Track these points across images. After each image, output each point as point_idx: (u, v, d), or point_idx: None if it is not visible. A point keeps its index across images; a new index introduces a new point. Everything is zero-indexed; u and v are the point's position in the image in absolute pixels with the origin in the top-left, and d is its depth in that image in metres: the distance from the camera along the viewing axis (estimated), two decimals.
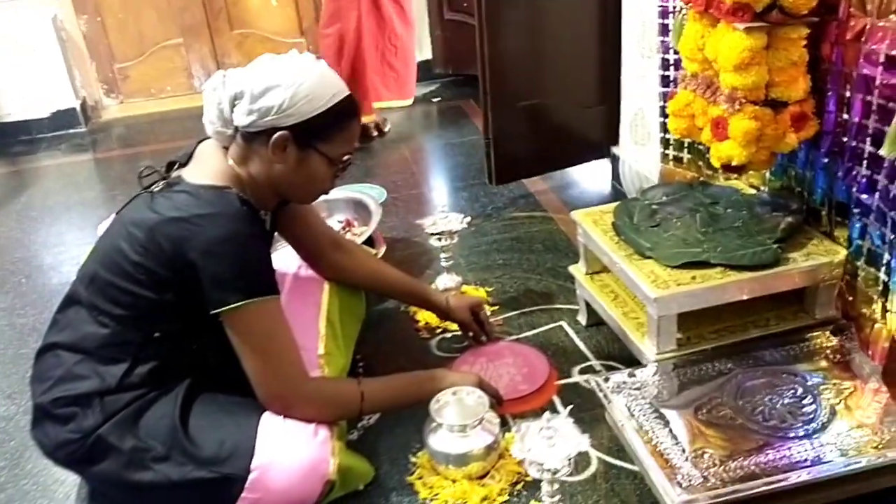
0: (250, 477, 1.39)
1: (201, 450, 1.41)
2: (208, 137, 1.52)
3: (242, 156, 1.47)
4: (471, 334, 1.94)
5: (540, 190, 2.87)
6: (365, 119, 3.33)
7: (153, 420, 1.43)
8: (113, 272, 1.42)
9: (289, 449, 1.41)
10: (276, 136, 1.42)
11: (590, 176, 2.93)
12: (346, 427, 1.67)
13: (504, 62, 2.55)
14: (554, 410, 1.75)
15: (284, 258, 1.85)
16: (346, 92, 1.48)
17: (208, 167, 1.47)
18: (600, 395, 1.60)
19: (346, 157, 1.52)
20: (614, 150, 2.75)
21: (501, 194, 2.84)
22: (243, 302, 1.38)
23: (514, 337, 2.02)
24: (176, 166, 1.51)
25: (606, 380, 1.62)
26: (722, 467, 1.37)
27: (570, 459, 1.26)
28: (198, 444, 1.41)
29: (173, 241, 1.36)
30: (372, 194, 2.54)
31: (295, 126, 1.42)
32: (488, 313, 2.00)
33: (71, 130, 3.96)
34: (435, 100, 4.04)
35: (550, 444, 1.28)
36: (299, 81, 1.40)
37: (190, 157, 1.52)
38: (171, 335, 1.46)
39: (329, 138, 1.46)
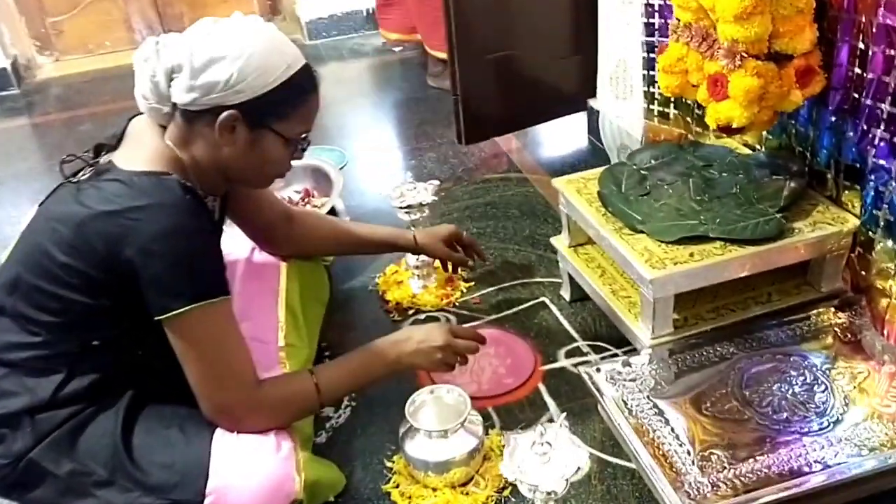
0: (206, 502, 1.22)
1: (148, 474, 1.24)
2: (140, 113, 1.31)
3: (183, 137, 1.26)
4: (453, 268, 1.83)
5: (513, 148, 2.68)
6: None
7: (93, 439, 1.25)
8: (38, 275, 1.22)
9: (248, 468, 1.24)
10: (223, 116, 1.21)
11: (565, 131, 2.74)
12: (311, 432, 1.51)
13: (471, 10, 2.33)
14: (540, 400, 1.60)
15: (234, 241, 1.66)
16: (302, 61, 1.28)
17: (143, 150, 1.26)
18: (591, 387, 1.45)
19: (304, 136, 1.32)
20: (591, 103, 2.57)
21: (472, 154, 2.65)
22: (188, 307, 1.19)
23: (493, 317, 1.86)
24: (105, 150, 1.30)
25: (598, 370, 1.47)
26: (732, 471, 1.24)
27: (567, 481, 1.11)
28: (144, 467, 1.24)
29: (106, 239, 1.17)
30: (330, 160, 2.33)
31: (245, 104, 1.21)
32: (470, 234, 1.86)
33: (2, 93, 3.65)
34: (396, 49, 3.78)
35: (544, 460, 1.14)
36: (248, 52, 1.20)
37: (121, 138, 1.30)
38: (112, 343, 1.27)
39: (284, 116, 1.26)
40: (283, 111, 1.26)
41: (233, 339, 1.26)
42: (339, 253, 1.87)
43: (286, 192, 2.24)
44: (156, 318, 1.20)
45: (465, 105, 2.46)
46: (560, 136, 2.76)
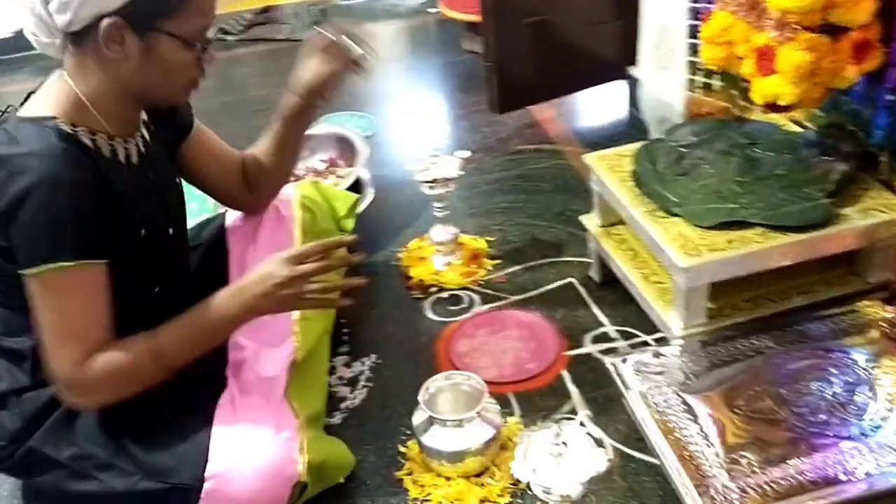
0: (205, 487, 1.18)
1: (148, 457, 1.21)
2: None
3: (79, 67, 1.15)
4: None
5: (548, 118, 2.57)
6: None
7: (90, 422, 1.23)
8: None
9: (247, 451, 1.20)
10: (103, 25, 1.08)
11: (604, 100, 2.62)
12: (322, 408, 1.45)
13: None
14: (563, 388, 1.54)
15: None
16: None
17: (44, 94, 1.17)
18: (616, 378, 1.38)
19: (207, 33, 1.19)
20: (632, 71, 2.44)
21: (505, 123, 2.55)
22: (43, 268, 1.10)
23: (519, 297, 1.79)
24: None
25: (624, 361, 1.39)
26: (762, 476, 1.16)
27: (583, 485, 1.05)
28: (144, 449, 1.22)
29: None
30: (357, 128, 2.26)
31: (124, 7, 1.09)
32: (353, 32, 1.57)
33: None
34: (432, 11, 3.67)
35: (560, 462, 1.07)
36: None
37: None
38: None
39: (173, 12, 1.13)
40: (168, 7, 1.12)
41: (82, 307, 1.14)
42: (282, 168, 1.54)
43: (311, 160, 2.19)
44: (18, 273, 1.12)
45: (499, 72, 2.36)
46: (598, 105, 2.64)
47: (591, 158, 1.69)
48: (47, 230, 1.09)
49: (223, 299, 1.22)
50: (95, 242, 1.13)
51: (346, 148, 2.16)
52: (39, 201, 1.07)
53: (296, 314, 1.43)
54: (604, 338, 1.65)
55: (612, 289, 1.77)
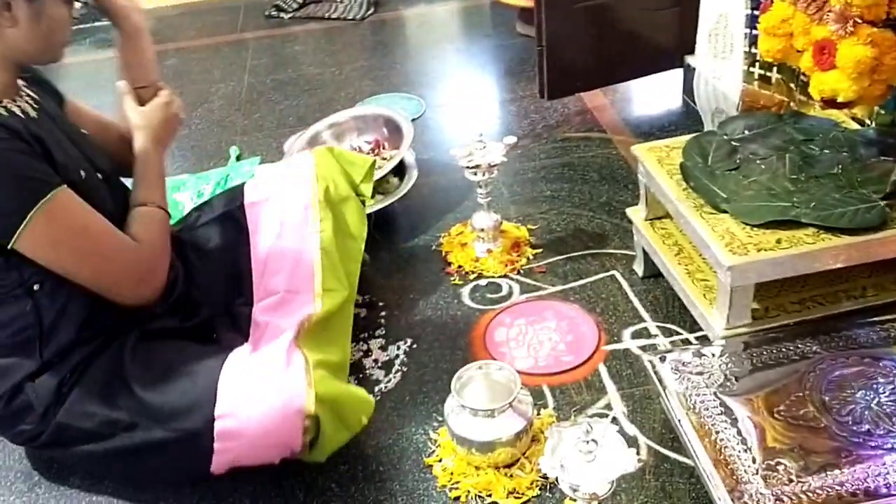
0: (216, 427, 1.20)
1: (161, 408, 1.24)
2: None
3: None
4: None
5: (599, 105, 2.53)
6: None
7: (108, 389, 1.27)
8: None
9: (255, 387, 1.23)
10: None
11: (658, 89, 2.56)
12: (340, 364, 1.41)
13: None
14: (599, 382, 1.51)
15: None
16: None
17: None
18: (654, 377, 1.35)
19: None
20: (689, 59, 2.38)
21: (555, 109, 2.51)
22: (25, 222, 1.15)
23: (559, 288, 1.77)
24: None
25: (662, 359, 1.36)
26: (800, 485, 1.13)
27: (613, 483, 1.03)
28: (157, 403, 1.25)
29: None
30: (405, 110, 2.25)
31: None
32: None
33: (95, 24, 3.70)
34: None
35: (589, 459, 1.05)
36: None
37: None
38: (51, 281, 1.25)
39: None
40: None
41: (90, 220, 1.24)
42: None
43: (357, 141, 2.19)
44: (9, 248, 1.17)
45: (550, 57, 2.32)
46: (652, 94, 2.58)
47: (640, 150, 1.65)
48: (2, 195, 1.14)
49: (153, 149, 1.43)
50: (45, 174, 1.18)
51: (392, 130, 2.15)
52: None
53: (318, 288, 1.42)
54: (644, 333, 1.62)
55: (654, 283, 1.74)
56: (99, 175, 1.35)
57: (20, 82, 1.30)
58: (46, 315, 1.26)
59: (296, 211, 1.49)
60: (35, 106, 1.29)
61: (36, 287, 1.24)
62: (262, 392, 1.22)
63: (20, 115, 1.23)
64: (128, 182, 1.46)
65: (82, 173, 1.27)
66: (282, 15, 3.59)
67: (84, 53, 3.52)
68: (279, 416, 1.20)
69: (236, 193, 1.59)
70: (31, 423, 1.28)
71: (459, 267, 1.85)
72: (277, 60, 3.16)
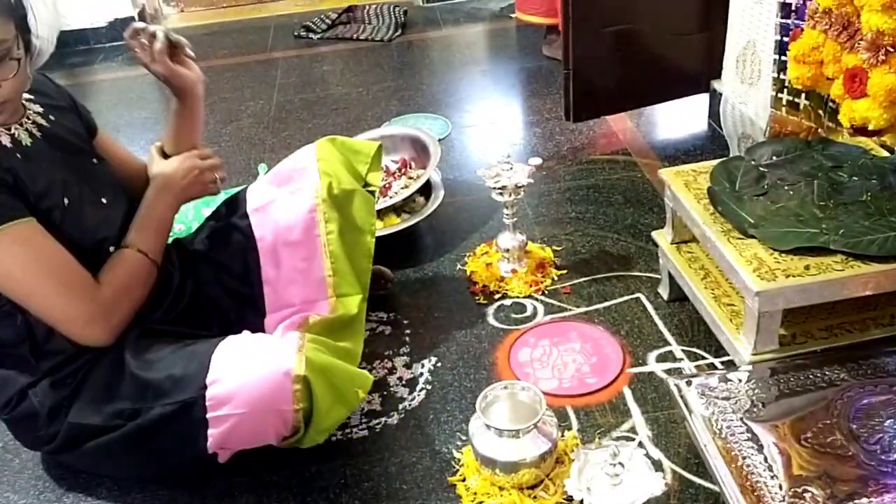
0: (207, 394, 1.21)
1: (159, 385, 1.26)
2: None
3: None
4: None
5: (625, 128, 2.54)
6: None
7: (113, 382, 1.30)
8: None
9: (245, 354, 1.25)
10: None
11: (684, 112, 2.57)
12: (353, 348, 1.43)
13: None
14: (624, 405, 1.51)
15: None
16: None
17: None
18: (679, 401, 1.35)
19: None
20: (715, 85, 2.39)
21: (580, 132, 2.53)
22: None
23: (583, 310, 1.77)
24: None
25: (688, 382, 1.36)
26: None
27: None
28: (154, 379, 1.26)
29: None
30: (431, 130, 2.27)
31: None
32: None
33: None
34: (512, 16, 3.66)
35: (615, 482, 1.06)
36: None
37: None
38: None
39: None
40: None
41: (44, 254, 1.24)
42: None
43: (385, 160, 2.21)
44: None
45: (577, 80, 2.34)
46: (678, 118, 2.59)
47: (667, 174, 1.66)
48: None
49: (159, 196, 1.43)
50: (7, 206, 1.20)
51: (419, 149, 2.17)
52: None
53: (331, 295, 1.44)
54: (669, 357, 1.62)
55: (680, 307, 1.73)
56: (103, 200, 1.37)
57: (35, 107, 1.34)
58: (38, 329, 1.29)
59: (300, 214, 1.46)
60: (37, 132, 1.32)
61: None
62: (251, 357, 1.24)
63: (6, 144, 1.26)
64: None
65: (66, 199, 1.29)
66: (311, 35, 3.64)
67: (116, 70, 3.60)
68: (268, 376, 1.21)
69: (239, 199, 1.56)
70: (42, 428, 1.31)
71: (484, 286, 1.86)
72: (306, 79, 3.21)
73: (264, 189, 1.54)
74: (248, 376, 1.22)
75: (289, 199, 1.48)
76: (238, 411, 1.22)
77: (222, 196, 1.65)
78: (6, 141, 1.26)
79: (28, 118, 1.32)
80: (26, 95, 1.32)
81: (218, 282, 1.51)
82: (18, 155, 1.26)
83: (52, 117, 1.37)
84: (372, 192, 1.59)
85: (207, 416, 1.22)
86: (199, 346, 1.28)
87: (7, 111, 1.26)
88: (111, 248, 1.36)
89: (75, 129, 1.42)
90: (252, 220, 1.49)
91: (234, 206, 1.56)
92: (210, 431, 1.24)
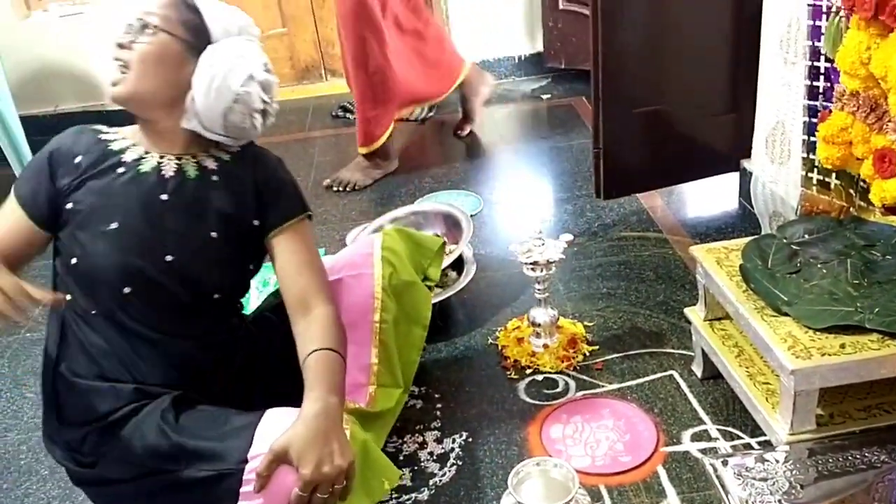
0: (246, 468, 1.17)
1: (198, 449, 1.23)
2: None
3: None
4: None
5: (655, 206, 2.56)
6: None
7: (149, 437, 1.26)
8: None
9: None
10: None
11: (714, 191, 2.59)
12: (378, 432, 1.45)
13: (621, 61, 2.27)
14: (658, 485, 1.48)
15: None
16: None
17: None
18: (716, 481, 1.32)
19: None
20: (745, 164, 2.41)
21: (611, 209, 2.56)
22: None
23: (616, 386, 1.76)
24: None
25: (724, 462, 1.34)
26: None
27: None
28: (193, 446, 1.23)
29: None
30: (463, 207, 2.31)
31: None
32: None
33: None
34: (544, 97, 3.75)
35: None
36: None
37: None
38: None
39: None
40: None
41: None
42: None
43: None
44: None
45: (607, 159, 2.38)
46: (708, 196, 2.60)
47: (699, 251, 1.67)
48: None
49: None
50: (23, 182, 1.32)
51: (451, 225, 2.21)
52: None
53: (372, 384, 1.46)
54: (704, 436, 1.59)
55: (714, 385, 1.72)
56: (168, 257, 1.30)
57: (208, 163, 1.36)
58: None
59: (360, 297, 1.49)
60: (174, 176, 1.33)
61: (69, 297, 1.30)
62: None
63: (166, 175, 1.32)
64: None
65: (115, 225, 1.28)
66: (347, 115, 3.76)
67: None
68: None
69: None
70: (78, 463, 1.32)
71: (515, 361, 1.86)
72: (342, 157, 3.29)
73: (327, 269, 1.53)
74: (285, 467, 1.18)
75: (350, 282, 1.50)
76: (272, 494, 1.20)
77: None
78: (170, 171, 1.33)
79: (193, 157, 1.35)
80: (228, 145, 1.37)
81: (269, 354, 1.48)
82: (125, 177, 1.31)
83: (213, 178, 1.35)
84: (430, 288, 1.63)
85: (241, 489, 1.21)
86: (243, 419, 1.26)
87: (135, 109, 1.33)
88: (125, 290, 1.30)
89: (222, 207, 1.36)
90: None
91: None
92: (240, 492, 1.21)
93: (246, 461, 1.19)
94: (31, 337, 2.20)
